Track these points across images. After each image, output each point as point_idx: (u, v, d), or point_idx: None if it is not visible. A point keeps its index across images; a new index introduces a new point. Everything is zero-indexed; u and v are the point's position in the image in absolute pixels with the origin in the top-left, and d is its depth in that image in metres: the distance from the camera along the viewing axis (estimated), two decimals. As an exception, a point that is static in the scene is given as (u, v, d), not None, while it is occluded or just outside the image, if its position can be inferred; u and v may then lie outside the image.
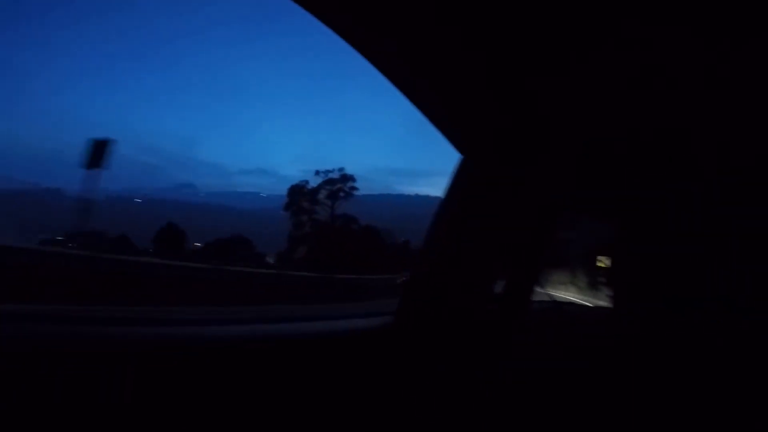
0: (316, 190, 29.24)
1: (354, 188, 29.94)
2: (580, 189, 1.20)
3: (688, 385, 0.55)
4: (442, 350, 1.11)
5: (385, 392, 1.00)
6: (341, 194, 29.37)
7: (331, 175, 29.85)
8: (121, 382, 0.64)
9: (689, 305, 0.53)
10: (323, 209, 28.56)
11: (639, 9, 0.59)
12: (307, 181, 29.71)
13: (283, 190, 29.93)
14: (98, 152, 12.62)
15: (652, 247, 0.57)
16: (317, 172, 30.21)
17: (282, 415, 0.84)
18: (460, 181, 1.11)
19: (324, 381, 0.92)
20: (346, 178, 30.04)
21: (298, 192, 29.02)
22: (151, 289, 8.41)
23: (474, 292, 1.19)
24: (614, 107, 0.84)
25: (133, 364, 0.66)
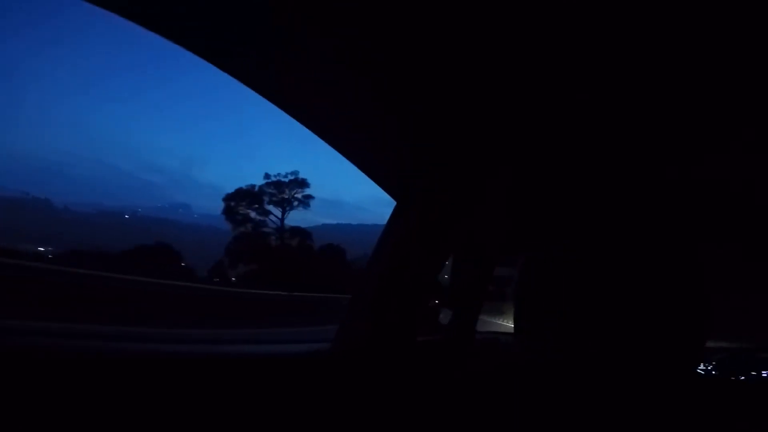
0: (259, 195, 25.06)
1: (309, 196, 26.22)
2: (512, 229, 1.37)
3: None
4: (383, 377, 1.14)
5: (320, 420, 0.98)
6: (294, 202, 25.73)
7: (281, 179, 25.78)
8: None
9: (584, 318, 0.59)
10: (274, 221, 24.95)
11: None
12: (254, 186, 25.77)
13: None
14: None
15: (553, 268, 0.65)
16: (266, 175, 26.25)
17: None
18: (395, 223, 1.21)
19: (253, 407, 0.89)
20: (299, 182, 26.12)
21: (241, 197, 24.88)
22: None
23: (412, 319, 1.25)
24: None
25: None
